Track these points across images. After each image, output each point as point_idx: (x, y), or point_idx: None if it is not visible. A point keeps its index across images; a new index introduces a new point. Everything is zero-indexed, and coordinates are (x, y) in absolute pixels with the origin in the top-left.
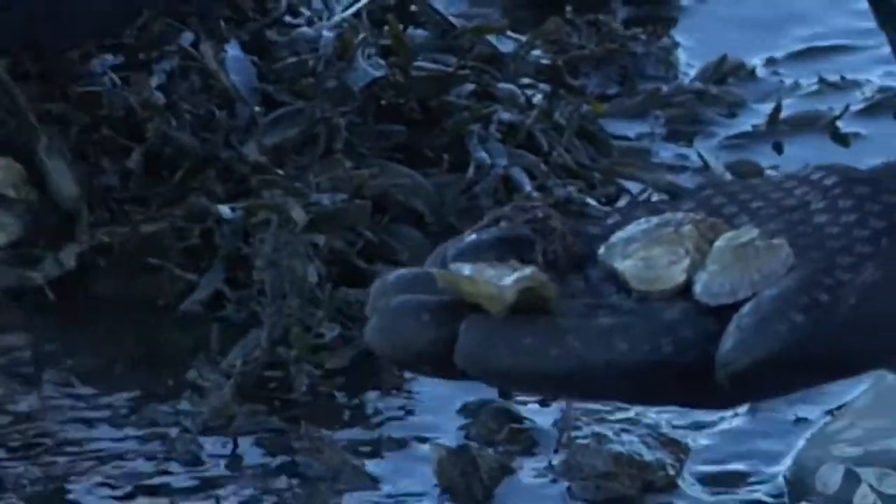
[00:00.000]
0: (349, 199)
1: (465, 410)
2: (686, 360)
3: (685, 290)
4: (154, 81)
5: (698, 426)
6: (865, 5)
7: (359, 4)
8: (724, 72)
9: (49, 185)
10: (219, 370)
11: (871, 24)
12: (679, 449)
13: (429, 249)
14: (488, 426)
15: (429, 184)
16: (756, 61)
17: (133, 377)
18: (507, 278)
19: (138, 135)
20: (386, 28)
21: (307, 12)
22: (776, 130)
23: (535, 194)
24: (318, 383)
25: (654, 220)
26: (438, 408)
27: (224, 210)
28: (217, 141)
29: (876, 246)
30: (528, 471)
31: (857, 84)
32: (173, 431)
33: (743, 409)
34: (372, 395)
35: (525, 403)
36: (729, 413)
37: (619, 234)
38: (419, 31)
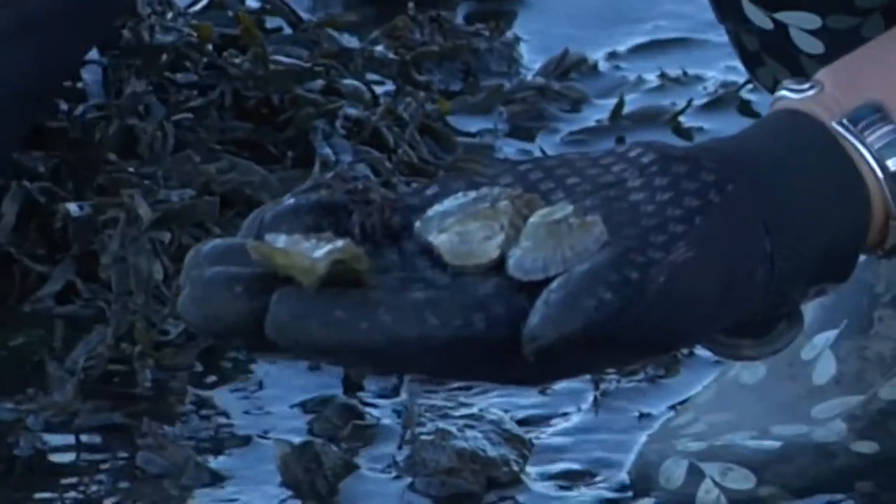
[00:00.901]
0: (197, 196)
1: (308, 406)
2: (498, 336)
3: (499, 265)
4: None
5: (542, 421)
6: None
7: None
8: (567, 67)
9: None
10: (63, 367)
11: (712, 17)
12: (523, 445)
13: None
14: (332, 422)
15: (275, 179)
16: (598, 56)
17: None
18: (319, 251)
19: None
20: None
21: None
22: (619, 125)
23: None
24: (162, 379)
25: (472, 194)
26: (282, 404)
27: (72, 208)
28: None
29: (689, 225)
30: (372, 466)
31: (699, 79)
32: (17, 427)
33: (587, 404)
34: (216, 391)
35: (369, 399)
36: (573, 408)
37: (437, 208)
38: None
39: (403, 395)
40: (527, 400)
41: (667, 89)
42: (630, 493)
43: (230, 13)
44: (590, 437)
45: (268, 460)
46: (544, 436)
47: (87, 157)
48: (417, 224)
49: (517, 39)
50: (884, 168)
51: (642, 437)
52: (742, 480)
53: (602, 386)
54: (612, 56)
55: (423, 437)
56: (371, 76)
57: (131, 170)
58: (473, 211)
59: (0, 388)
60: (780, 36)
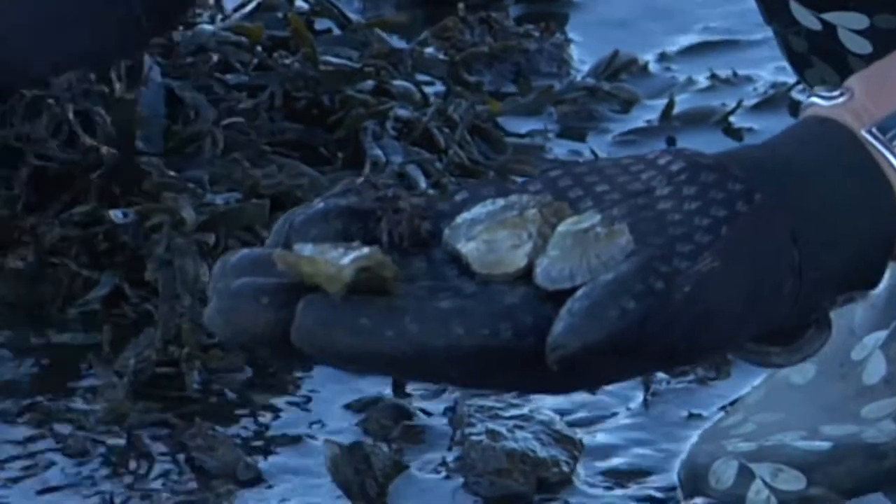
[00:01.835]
0: (244, 199)
1: (358, 407)
2: (524, 346)
3: (527, 274)
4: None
5: (592, 422)
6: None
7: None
8: (617, 68)
9: None
10: (111, 369)
11: (760, 19)
12: (573, 445)
13: None
14: (382, 423)
15: (326, 181)
16: (648, 57)
17: (27, 374)
18: (346, 258)
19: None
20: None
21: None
22: (669, 126)
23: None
24: (211, 381)
25: (501, 201)
26: (331, 404)
27: (116, 214)
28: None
29: (716, 235)
30: (421, 467)
31: (749, 79)
32: (67, 429)
33: (636, 405)
34: (265, 392)
35: (419, 400)
36: (623, 409)
37: (465, 215)
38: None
39: (453, 396)
40: (577, 401)
41: (717, 90)
42: (680, 494)
43: (280, 15)
44: (640, 438)
45: (317, 461)
46: (594, 437)
47: (132, 162)
48: (446, 231)
49: (567, 40)
50: None
51: (692, 438)
52: (793, 481)
53: (652, 387)
54: (663, 57)
55: (473, 438)
56: (421, 77)
57: (172, 173)
58: (502, 219)
59: (49, 389)
60: (829, 37)
